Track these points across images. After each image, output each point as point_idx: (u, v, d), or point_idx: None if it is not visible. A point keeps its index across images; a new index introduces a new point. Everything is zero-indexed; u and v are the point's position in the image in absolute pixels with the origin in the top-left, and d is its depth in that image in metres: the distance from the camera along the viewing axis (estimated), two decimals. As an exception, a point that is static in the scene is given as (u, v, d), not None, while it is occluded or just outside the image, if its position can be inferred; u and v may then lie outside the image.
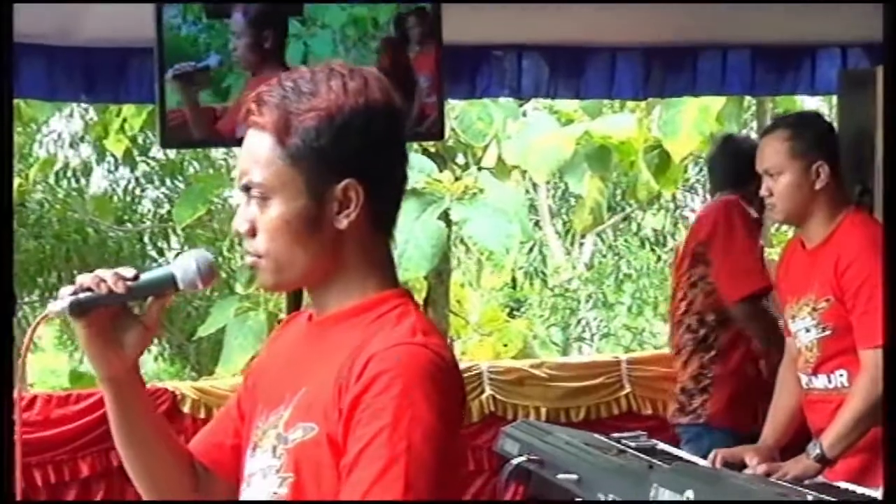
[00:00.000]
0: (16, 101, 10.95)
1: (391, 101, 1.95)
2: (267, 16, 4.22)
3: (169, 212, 14.48)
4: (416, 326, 1.90)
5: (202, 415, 5.53)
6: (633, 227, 17.87)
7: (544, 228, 16.30)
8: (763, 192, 4.01)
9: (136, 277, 1.99)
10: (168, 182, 14.77)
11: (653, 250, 17.40)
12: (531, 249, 16.66)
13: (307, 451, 1.89)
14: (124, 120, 10.79)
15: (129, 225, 14.63)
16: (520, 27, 5.02)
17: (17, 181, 12.60)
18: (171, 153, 14.24)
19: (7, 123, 3.16)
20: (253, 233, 1.94)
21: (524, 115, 10.84)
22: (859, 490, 3.59)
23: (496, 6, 4.79)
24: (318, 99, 1.90)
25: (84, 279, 1.98)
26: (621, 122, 10.70)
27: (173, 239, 14.94)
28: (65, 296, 1.98)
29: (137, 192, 14.99)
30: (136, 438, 2.12)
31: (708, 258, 4.83)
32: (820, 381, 3.94)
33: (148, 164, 14.65)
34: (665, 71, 5.38)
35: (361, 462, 1.79)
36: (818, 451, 3.80)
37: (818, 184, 3.91)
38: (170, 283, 2.02)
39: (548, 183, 15.67)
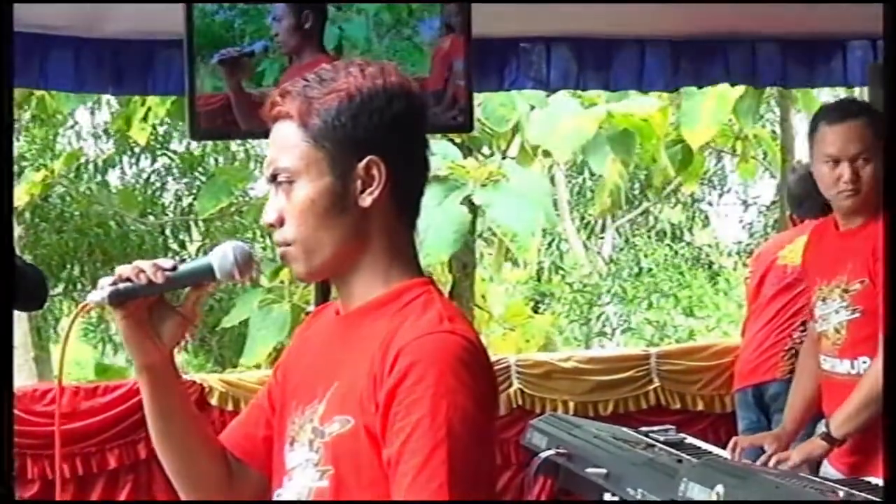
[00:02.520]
0: (40, 93, 11.00)
1: (409, 86, 2.01)
2: (306, -3, 4.24)
3: (190, 205, 14.53)
4: (443, 314, 1.93)
5: (230, 407, 5.56)
6: (651, 220, 17.88)
7: (564, 223, 16.31)
8: (848, 177, 3.91)
9: (174, 268, 2.03)
10: (188, 175, 14.82)
11: (669, 245, 17.41)
12: (550, 244, 16.70)
13: (345, 443, 1.92)
14: (149, 109, 10.83)
15: (151, 218, 14.68)
16: (548, 19, 4.99)
17: (41, 174, 12.61)
18: (192, 145, 14.30)
19: (7, 122, 3.15)
20: (281, 222, 1.98)
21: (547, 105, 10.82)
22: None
23: (525, -2, 4.79)
24: (337, 83, 1.96)
25: (123, 270, 2.02)
26: (643, 102, 10.69)
27: (195, 232, 14.99)
28: (104, 286, 2.01)
29: (158, 185, 15.05)
30: (172, 428, 2.14)
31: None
32: (843, 367, 3.92)
33: (169, 156, 14.70)
34: (694, 63, 5.35)
35: (405, 455, 1.83)
36: (825, 429, 3.80)
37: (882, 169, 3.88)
38: (207, 273, 2.05)
39: (567, 175, 15.70)
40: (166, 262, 2.03)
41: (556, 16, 4.93)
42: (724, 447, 4.25)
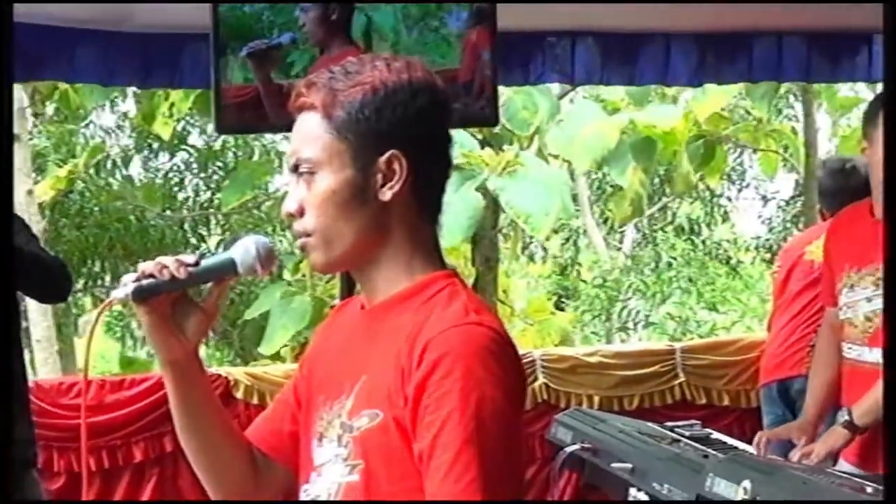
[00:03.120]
0: (64, 88, 11.02)
1: (434, 82, 2.01)
2: (332, -14, 4.23)
3: (209, 199, 14.56)
4: (468, 306, 1.93)
5: (255, 401, 5.57)
6: (669, 216, 17.86)
7: (584, 218, 16.30)
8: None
9: (196, 263, 2.03)
10: (206, 170, 14.86)
11: (689, 240, 17.39)
12: (568, 239, 16.70)
13: (374, 437, 1.92)
14: (172, 104, 10.86)
15: (168, 213, 14.71)
16: (574, 13, 4.98)
17: (66, 168, 12.64)
18: (210, 140, 14.32)
19: (7, 120, 3.16)
20: (301, 212, 1.99)
21: (567, 103, 10.80)
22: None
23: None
24: (362, 76, 1.96)
25: (146, 266, 2.02)
26: (666, 112, 10.68)
27: (214, 226, 15.03)
28: (128, 282, 2.02)
29: (176, 179, 15.09)
30: (197, 423, 2.14)
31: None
32: (873, 355, 3.88)
33: (188, 151, 14.74)
34: (719, 57, 5.33)
35: (436, 450, 1.83)
36: (847, 417, 3.77)
37: None
38: (230, 268, 2.05)
39: (587, 172, 15.67)
40: (189, 258, 2.03)
41: (582, 10, 4.91)
42: (749, 442, 4.23)
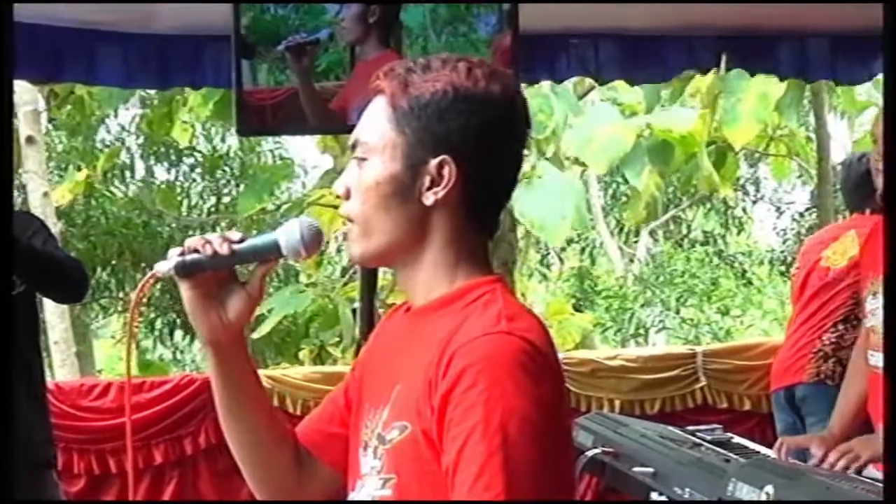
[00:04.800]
0: (79, 93, 11.02)
1: (512, 98, 1.99)
2: (374, -9, 4.22)
3: (215, 205, 14.58)
4: (502, 313, 1.87)
5: (275, 403, 5.55)
6: (684, 226, 17.87)
7: (599, 226, 16.30)
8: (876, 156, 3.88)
9: (241, 241, 2.01)
10: (214, 175, 14.89)
11: (704, 250, 17.39)
12: (583, 250, 16.70)
13: (405, 450, 1.87)
14: (190, 109, 10.85)
15: (170, 219, 14.71)
16: (595, 14, 4.96)
17: (84, 172, 12.67)
18: (218, 144, 14.34)
19: (7, 120, 3.15)
20: (348, 195, 1.97)
21: (582, 107, 10.77)
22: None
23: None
24: (438, 74, 1.93)
25: (192, 241, 2.01)
26: (683, 115, 10.63)
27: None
28: (172, 256, 2.00)
29: (184, 185, 15.12)
30: (239, 409, 2.11)
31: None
32: None
33: (194, 156, 14.76)
34: (743, 59, 5.30)
35: (461, 463, 1.77)
36: None
37: None
38: (274, 249, 2.03)
39: (601, 181, 15.64)
40: (234, 235, 2.01)
41: (604, 10, 4.90)
42: (771, 447, 4.20)
